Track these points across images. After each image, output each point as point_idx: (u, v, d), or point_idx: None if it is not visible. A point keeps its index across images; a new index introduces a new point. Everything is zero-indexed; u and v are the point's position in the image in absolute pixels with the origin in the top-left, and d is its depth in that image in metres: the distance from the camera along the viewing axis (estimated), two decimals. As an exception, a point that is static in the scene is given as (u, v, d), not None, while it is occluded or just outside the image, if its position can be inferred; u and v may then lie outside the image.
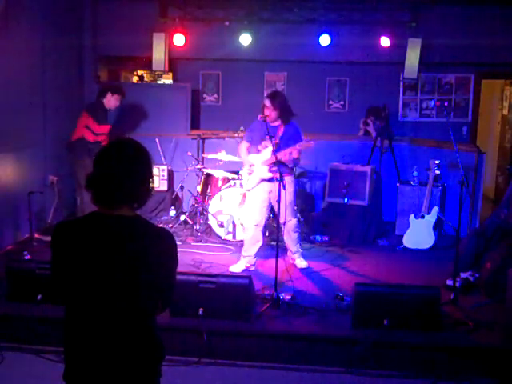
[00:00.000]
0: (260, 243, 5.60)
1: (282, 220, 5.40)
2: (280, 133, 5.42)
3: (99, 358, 2.09)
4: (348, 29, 7.71)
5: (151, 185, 2.18)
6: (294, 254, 5.77)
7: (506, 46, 7.35)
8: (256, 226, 5.52)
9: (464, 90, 8.27)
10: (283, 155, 5.29)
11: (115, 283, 2.06)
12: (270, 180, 5.42)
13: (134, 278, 2.07)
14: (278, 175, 5.15)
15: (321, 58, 8.01)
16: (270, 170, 5.39)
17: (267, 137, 5.20)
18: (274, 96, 5.42)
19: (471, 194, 6.56)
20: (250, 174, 5.56)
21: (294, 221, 5.67)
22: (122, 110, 7.88)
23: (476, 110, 8.27)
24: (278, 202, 4.91)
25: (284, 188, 4.84)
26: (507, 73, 8.24)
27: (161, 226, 7.14)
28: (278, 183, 4.85)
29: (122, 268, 2.06)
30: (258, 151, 5.53)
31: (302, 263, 5.73)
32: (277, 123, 5.45)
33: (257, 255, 5.65)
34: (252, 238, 5.55)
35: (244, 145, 5.67)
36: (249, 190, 5.59)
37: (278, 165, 5.04)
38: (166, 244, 2.15)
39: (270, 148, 5.26)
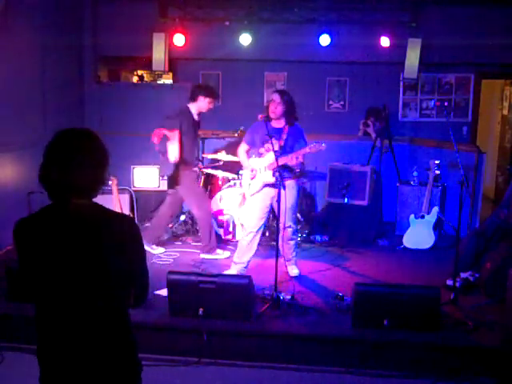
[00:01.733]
0: (254, 251, 5.36)
1: (280, 225, 5.22)
2: (284, 135, 5.20)
3: (73, 357, 2.06)
4: (348, 29, 7.71)
5: (103, 174, 2.14)
6: (287, 261, 5.52)
7: (506, 45, 7.34)
8: (257, 231, 5.30)
9: (464, 90, 8.27)
10: (290, 159, 5.08)
11: (78, 274, 2.04)
12: (275, 185, 5.11)
13: (97, 266, 2.05)
14: (290, 182, 5.16)
15: (321, 58, 8.00)
16: (275, 175, 5.07)
17: (272, 138, 5.01)
18: (284, 92, 5.30)
19: (471, 194, 6.56)
20: (252, 178, 5.32)
21: (293, 228, 5.44)
22: (122, 109, 7.90)
23: (476, 109, 8.27)
24: (278, 202, 4.90)
25: (284, 189, 4.80)
26: (507, 73, 8.24)
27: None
28: (281, 187, 4.78)
29: (83, 257, 2.04)
30: (260, 154, 5.31)
31: (294, 271, 5.51)
32: (281, 124, 5.24)
33: (248, 264, 5.39)
34: (249, 244, 5.29)
35: (243, 147, 5.46)
36: (251, 195, 5.35)
37: (284, 169, 4.97)
38: (125, 228, 2.12)
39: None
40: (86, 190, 2.11)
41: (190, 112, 6.02)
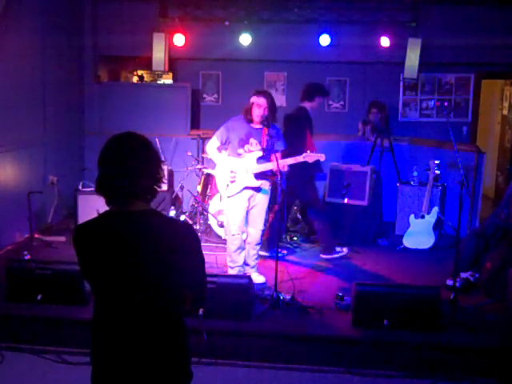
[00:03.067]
0: (244, 250, 5.26)
1: (255, 227, 5.19)
2: (265, 137, 4.99)
3: (125, 361, 2.06)
4: (348, 29, 7.71)
5: (159, 175, 2.14)
6: (251, 268, 5.30)
7: (506, 45, 7.35)
8: (241, 233, 5.18)
9: (464, 90, 8.27)
10: (284, 165, 4.97)
11: (135, 279, 2.05)
12: (254, 188, 5.05)
13: (155, 272, 2.04)
14: (266, 185, 5.10)
15: (321, 58, 8.01)
16: (258, 178, 5.02)
17: (255, 142, 4.96)
18: (268, 95, 5.02)
19: (471, 193, 6.56)
20: (232, 181, 5.05)
21: (261, 231, 5.28)
22: (122, 109, 7.90)
23: (476, 109, 8.27)
24: (279, 202, 4.90)
25: (284, 188, 4.79)
26: (507, 73, 8.24)
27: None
28: (259, 188, 4.77)
29: (141, 262, 2.04)
30: (239, 155, 5.05)
31: (259, 278, 5.23)
32: (259, 126, 5.03)
33: (244, 261, 5.31)
34: (238, 247, 5.18)
35: (215, 144, 5.13)
36: (229, 197, 5.11)
37: (263, 172, 4.97)
38: (183, 235, 2.11)
39: (257, 154, 4.97)
40: (144, 195, 2.11)
41: (308, 112, 6.06)
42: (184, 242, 2.10)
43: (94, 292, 2.14)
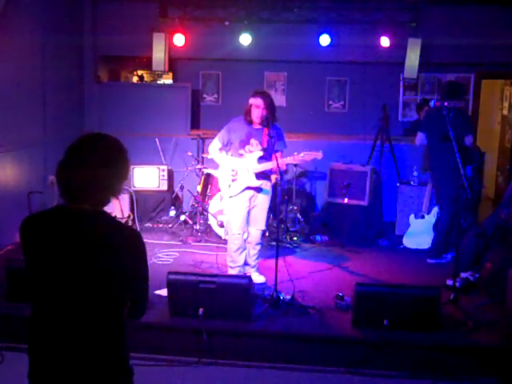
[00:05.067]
0: (245, 250, 5.27)
1: (256, 227, 5.21)
2: (265, 137, 5.01)
3: (62, 358, 2.05)
4: (348, 29, 7.71)
5: (119, 187, 2.12)
6: (251, 267, 5.32)
7: (506, 45, 7.34)
8: (242, 233, 5.20)
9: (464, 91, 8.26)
10: (282, 164, 4.98)
11: (72, 279, 2.03)
12: (256, 188, 5.08)
13: (92, 274, 2.03)
14: (267, 185, 5.11)
15: (321, 58, 8.01)
16: (258, 178, 5.05)
17: (255, 142, 4.98)
18: (266, 95, 5.03)
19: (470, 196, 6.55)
20: (234, 180, 5.09)
21: (261, 232, 5.33)
22: (122, 110, 7.90)
23: (476, 109, 8.26)
24: (279, 202, 4.90)
25: (284, 188, 4.80)
26: (507, 73, 8.24)
27: (161, 225, 7.15)
28: (260, 188, 4.78)
29: (79, 262, 2.02)
30: (241, 155, 5.08)
31: (259, 278, 5.25)
32: (259, 126, 5.06)
33: (245, 262, 5.32)
34: (239, 247, 5.20)
35: (217, 145, 5.18)
36: (230, 197, 5.15)
37: (263, 172, 4.98)
38: (126, 241, 2.08)
39: (258, 154, 4.99)
40: (98, 199, 2.09)
41: None
42: (129, 248, 2.08)
43: (33, 288, 2.10)
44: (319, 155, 5.04)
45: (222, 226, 6.54)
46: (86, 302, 2.05)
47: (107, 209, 2.16)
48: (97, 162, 2.05)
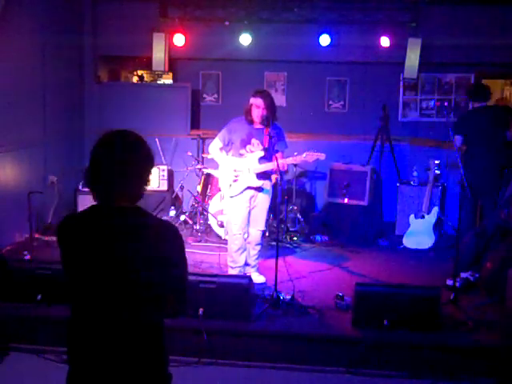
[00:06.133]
0: (245, 249, 5.26)
1: (256, 227, 5.20)
2: (266, 137, 4.99)
3: (102, 361, 2.04)
4: (348, 29, 7.71)
5: (149, 176, 2.13)
6: (251, 267, 5.31)
7: (506, 45, 7.34)
8: (243, 233, 5.19)
9: (464, 90, 8.25)
10: (284, 164, 4.98)
11: (114, 278, 2.03)
12: (256, 188, 5.08)
13: (134, 271, 2.02)
14: (268, 185, 5.12)
15: (321, 58, 8.00)
16: (259, 178, 5.05)
17: (256, 142, 4.98)
18: (266, 95, 5.01)
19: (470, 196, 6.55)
20: (235, 180, 5.08)
21: (261, 232, 5.32)
22: (122, 109, 7.90)
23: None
24: (279, 202, 4.90)
25: (285, 188, 4.80)
26: (507, 73, 8.24)
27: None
28: (260, 188, 4.80)
29: (121, 260, 2.02)
30: (241, 155, 5.07)
31: (259, 278, 5.24)
32: (260, 126, 5.04)
33: (245, 262, 5.31)
34: (240, 247, 5.19)
35: (217, 145, 5.17)
36: (231, 197, 5.14)
37: (264, 172, 4.98)
38: (167, 236, 2.09)
39: (259, 154, 4.99)
40: (132, 194, 2.10)
41: None
42: (168, 244, 2.09)
43: (72, 288, 2.09)
44: (322, 156, 5.04)
45: (222, 225, 6.54)
46: (128, 300, 2.04)
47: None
48: (131, 158, 2.06)
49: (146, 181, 2.13)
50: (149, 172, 2.13)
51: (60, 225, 2.13)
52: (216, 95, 8.68)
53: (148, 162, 2.13)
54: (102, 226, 2.06)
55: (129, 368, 2.05)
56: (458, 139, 5.93)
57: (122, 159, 2.04)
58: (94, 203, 2.11)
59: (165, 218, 7.31)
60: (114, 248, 2.03)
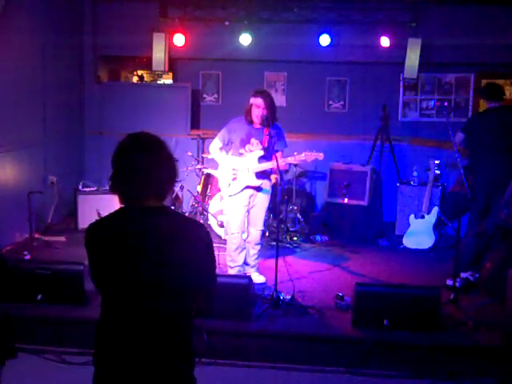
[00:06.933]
0: (245, 249, 5.26)
1: (255, 227, 5.20)
2: (266, 136, 4.99)
3: (132, 362, 2.03)
4: (348, 29, 7.71)
5: (174, 174, 2.15)
6: (251, 267, 5.30)
7: (506, 45, 7.35)
8: (241, 232, 5.19)
9: (464, 90, 8.27)
10: (284, 164, 4.99)
11: (144, 280, 2.02)
12: (255, 188, 5.08)
13: (165, 272, 2.02)
14: (267, 184, 5.12)
15: (321, 58, 8.01)
16: (258, 177, 5.05)
17: (256, 142, 4.98)
18: (266, 95, 5.00)
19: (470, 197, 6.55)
20: (234, 179, 5.09)
21: (261, 231, 5.31)
22: (122, 109, 7.90)
23: (476, 109, 8.26)
24: (279, 201, 4.90)
25: (285, 188, 4.80)
26: (507, 73, 8.24)
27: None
28: (260, 188, 4.78)
29: (152, 261, 2.02)
30: (241, 154, 5.07)
31: (259, 278, 5.22)
32: (260, 125, 5.03)
33: (244, 261, 5.30)
34: (237, 245, 5.18)
35: (217, 145, 5.18)
36: (230, 196, 5.14)
37: (263, 171, 4.98)
38: (197, 234, 2.09)
39: (258, 153, 4.98)
40: (159, 194, 2.11)
41: None
42: (198, 242, 2.09)
43: (101, 291, 2.11)
44: (320, 156, 5.03)
45: (221, 225, 6.54)
46: (159, 301, 2.03)
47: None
48: (155, 158, 2.08)
49: (171, 179, 2.15)
50: (172, 170, 2.14)
51: (88, 230, 2.13)
52: (216, 95, 8.68)
53: (170, 160, 2.14)
54: (132, 227, 2.06)
55: (157, 371, 2.04)
56: (460, 136, 5.92)
57: (146, 160, 2.06)
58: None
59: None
60: (144, 249, 2.03)
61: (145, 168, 2.05)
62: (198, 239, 2.09)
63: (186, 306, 2.10)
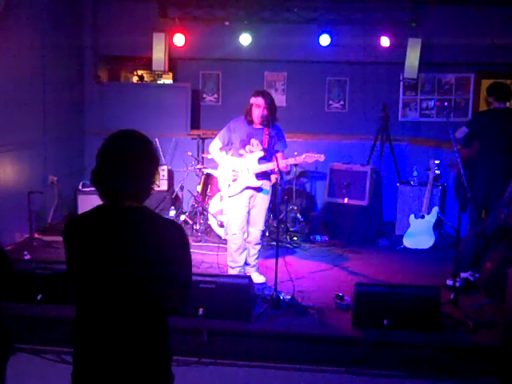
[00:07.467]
0: (246, 250, 5.26)
1: (255, 227, 5.20)
2: (266, 137, 4.99)
3: (108, 358, 2.05)
4: (348, 29, 7.72)
5: (156, 176, 2.15)
6: (251, 267, 5.31)
7: (506, 45, 7.35)
8: (243, 232, 5.20)
9: (464, 90, 8.27)
10: (284, 166, 4.98)
11: (119, 278, 2.04)
12: (255, 188, 5.08)
13: (138, 270, 2.04)
14: (267, 185, 5.12)
15: (321, 58, 8.01)
16: (259, 178, 5.05)
17: (256, 142, 4.99)
18: (266, 95, 5.00)
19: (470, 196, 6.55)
20: (234, 180, 5.10)
21: (261, 231, 5.31)
22: (122, 109, 7.90)
23: (476, 109, 8.26)
24: (279, 202, 4.90)
25: (285, 188, 4.79)
26: (507, 73, 8.24)
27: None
28: (260, 188, 4.79)
29: (126, 260, 2.04)
30: (241, 155, 5.08)
31: (259, 278, 5.23)
32: (260, 126, 5.04)
33: (245, 262, 5.31)
34: (238, 245, 5.19)
35: (217, 145, 5.19)
36: (230, 197, 5.15)
37: (264, 172, 4.99)
38: (172, 235, 2.10)
39: (258, 154, 4.99)
40: (139, 194, 2.12)
41: None
42: (173, 242, 2.10)
43: (77, 289, 2.12)
44: (321, 158, 5.04)
45: (222, 225, 6.54)
46: (132, 299, 2.05)
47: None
48: (135, 159, 2.08)
49: (152, 180, 2.14)
50: (154, 172, 2.14)
51: (66, 225, 2.15)
52: (216, 95, 8.68)
53: (152, 161, 2.14)
54: (107, 226, 2.07)
55: (133, 367, 2.06)
56: (462, 131, 5.92)
57: (126, 159, 2.06)
58: (99, 203, 2.12)
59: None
60: (118, 247, 2.05)
61: (125, 167, 2.05)
62: (173, 238, 2.10)
63: (160, 303, 2.11)
